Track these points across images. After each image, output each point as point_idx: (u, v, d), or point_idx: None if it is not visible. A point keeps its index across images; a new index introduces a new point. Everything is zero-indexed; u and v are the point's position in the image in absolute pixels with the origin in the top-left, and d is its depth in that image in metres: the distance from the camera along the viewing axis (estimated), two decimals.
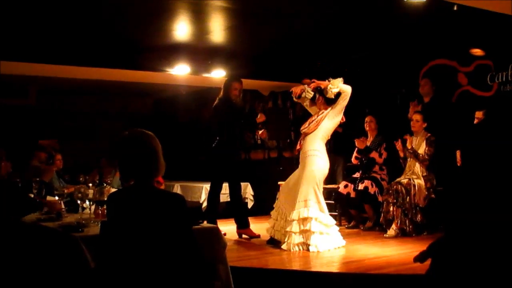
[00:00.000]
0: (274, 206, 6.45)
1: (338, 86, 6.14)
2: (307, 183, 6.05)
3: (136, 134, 2.95)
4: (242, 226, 6.97)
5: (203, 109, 12.25)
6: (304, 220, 5.92)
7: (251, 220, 7.18)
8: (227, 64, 8.79)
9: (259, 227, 7.15)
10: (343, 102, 6.19)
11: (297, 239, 5.91)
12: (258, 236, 6.85)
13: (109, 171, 8.51)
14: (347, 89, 6.16)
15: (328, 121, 6.23)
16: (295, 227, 5.92)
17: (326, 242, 5.93)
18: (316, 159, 6.15)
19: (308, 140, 6.26)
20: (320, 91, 6.34)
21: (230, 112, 6.90)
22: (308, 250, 5.84)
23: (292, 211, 5.99)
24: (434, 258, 2.68)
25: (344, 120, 6.37)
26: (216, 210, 7.02)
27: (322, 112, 6.29)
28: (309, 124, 6.33)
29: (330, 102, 6.26)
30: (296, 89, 6.47)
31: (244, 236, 6.90)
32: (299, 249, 5.88)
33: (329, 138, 6.41)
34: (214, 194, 7.01)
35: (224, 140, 6.93)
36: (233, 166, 6.99)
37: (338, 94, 6.19)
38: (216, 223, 6.80)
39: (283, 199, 6.30)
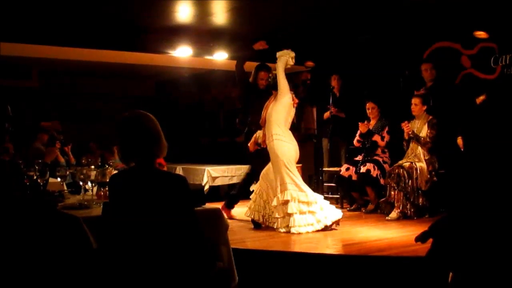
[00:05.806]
0: (253, 189, 6.57)
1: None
2: (277, 169, 6.16)
3: (136, 115, 2.96)
4: (231, 206, 7.10)
5: (205, 92, 12.24)
6: (284, 203, 6.01)
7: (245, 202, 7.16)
8: (229, 46, 8.74)
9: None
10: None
11: (282, 223, 6.00)
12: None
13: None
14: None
15: (275, 104, 6.33)
16: (277, 212, 6.05)
17: (308, 223, 5.97)
18: (275, 143, 6.23)
19: (265, 128, 6.40)
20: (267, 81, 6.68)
21: (259, 98, 6.87)
22: (289, 232, 5.88)
23: (274, 197, 6.11)
24: (436, 238, 2.68)
25: (297, 101, 6.44)
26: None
27: (270, 98, 6.50)
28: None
29: (275, 87, 6.43)
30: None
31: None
32: (285, 231, 5.95)
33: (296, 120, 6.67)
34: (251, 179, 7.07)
35: (253, 125, 6.92)
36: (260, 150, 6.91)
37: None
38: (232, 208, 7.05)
39: (265, 184, 6.35)
